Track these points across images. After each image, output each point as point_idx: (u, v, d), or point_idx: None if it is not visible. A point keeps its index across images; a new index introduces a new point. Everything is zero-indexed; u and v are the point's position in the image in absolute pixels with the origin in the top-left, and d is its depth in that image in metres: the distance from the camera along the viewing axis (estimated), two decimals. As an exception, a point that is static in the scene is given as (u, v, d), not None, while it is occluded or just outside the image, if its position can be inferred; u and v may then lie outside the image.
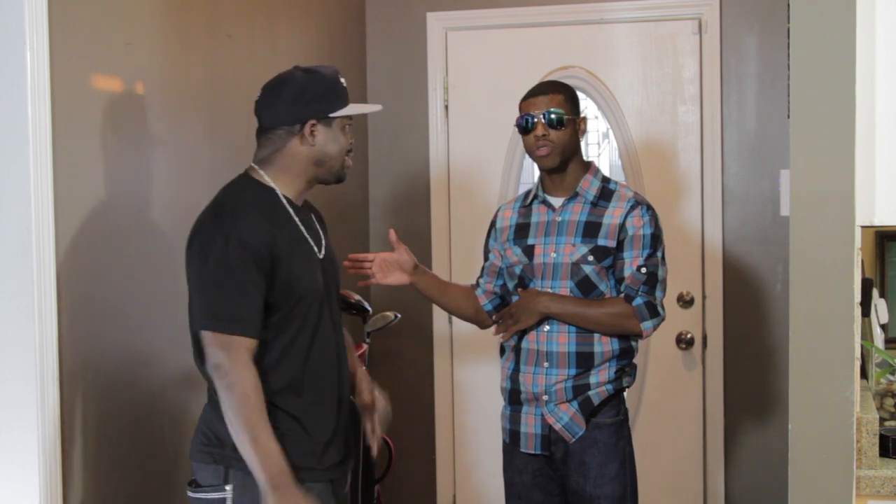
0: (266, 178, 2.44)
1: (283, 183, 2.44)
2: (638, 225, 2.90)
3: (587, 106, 4.22)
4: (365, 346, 3.31)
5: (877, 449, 2.43)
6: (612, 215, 2.93)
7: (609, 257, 2.91)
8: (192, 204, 2.97)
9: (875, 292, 3.05)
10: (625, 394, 3.00)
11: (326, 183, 2.51)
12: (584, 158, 3.03)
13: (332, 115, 2.44)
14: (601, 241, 2.91)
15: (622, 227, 2.91)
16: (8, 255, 2.27)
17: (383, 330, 3.63)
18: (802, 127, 2.27)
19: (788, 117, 2.31)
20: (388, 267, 3.00)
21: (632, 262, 2.89)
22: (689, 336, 4.10)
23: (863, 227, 2.32)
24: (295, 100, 2.41)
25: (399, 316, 3.53)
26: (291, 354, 2.38)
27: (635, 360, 3.00)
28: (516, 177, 4.26)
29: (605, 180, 3.01)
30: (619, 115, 4.15)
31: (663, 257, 2.94)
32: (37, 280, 2.27)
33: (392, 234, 3.00)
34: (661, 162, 4.13)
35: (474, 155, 4.28)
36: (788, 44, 2.33)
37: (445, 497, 4.35)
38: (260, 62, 3.42)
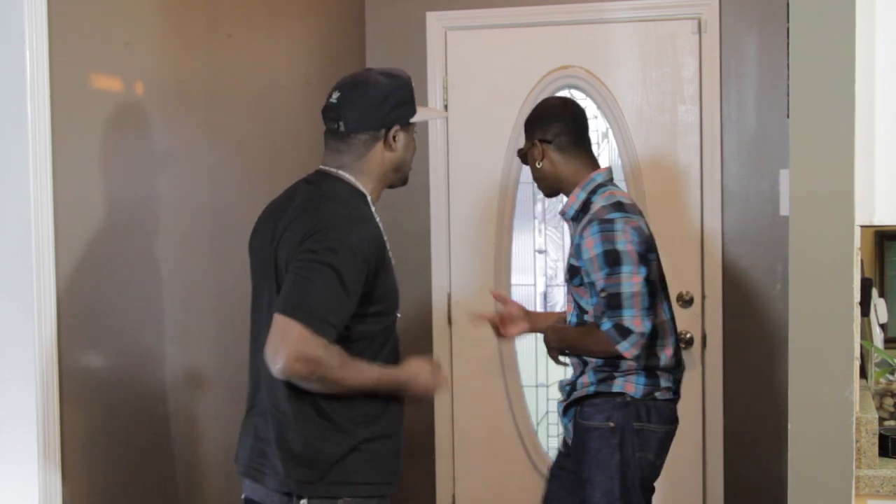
0: (357, 183, 2.38)
1: (367, 189, 2.41)
2: (590, 246, 2.81)
3: (586, 106, 4.22)
4: (365, 346, 3.32)
5: (876, 449, 2.43)
6: (578, 234, 2.88)
7: (578, 276, 2.86)
8: (192, 204, 2.98)
9: (875, 292, 3.05)
10: (623, 399, 2.88)
11: (393, 187, 2.49)
12: (585, 168, 2.95)
13: (412, 120, 2.42)
14: (571, 260, 2.90)
15: (579, 248, 2.84)
16: (8, 255, 2.27)
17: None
18: (802, 127, 2.27)
19: (788, 117, 2.31)
20: (509, 322, 3.10)
21: (596, 286, 2.82)
22: (688, 336, 4.10)
23: (862, 226, 2.32)
24: (381, 104, 2.35)
25: (399, 316, 3.52)
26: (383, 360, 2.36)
27: (635, 365, 2.87)
28: (516, 177, 4.25)
29: (594, 191, 2.91)
30: (618, 114, 4.15)
31: (633, 270, 2.78)
32: (36, 280, 2.27)
33: (496, 295, 3.17)
34: (660, 162, 4.13)
35: (474, 155, 4.27)
36: (788, 44, 2.33)
37: (445, 497, 4.35)
38: (260, 62, 3.42)
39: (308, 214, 2.30)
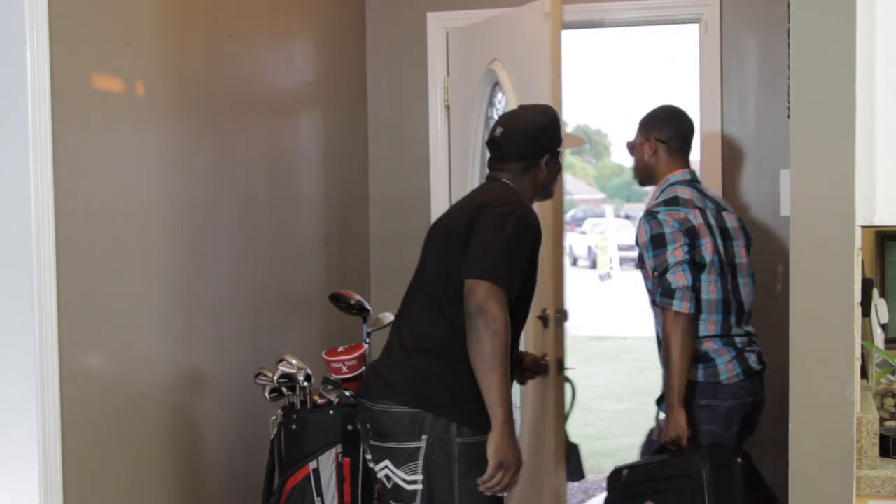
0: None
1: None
2: (641, 234, 3.19)
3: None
4: (365, 347, 3.31)
5: (877, 449, 2.42)
6: (637, 224, 3.24)
7: (640, 258, 3.23)
8: (192, 204, 2.98)
9: (875, 292, 3.05)
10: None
11: (538, 201, 2.91)
12: (674, 169, 3.31)
13: (559, 149, 2.86)
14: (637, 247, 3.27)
15: (637, 235, 3.23)
16: (8, 255, 2.27)
17: (383, 330, 3.63)
18: (802, 127, 2.26)
19: (788, 117, 2.31)
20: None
21: (649, 268, 3.15)
22: (689, 336, 4.10)
23: (863, 227, 2.32)
24: (536, 139, 2.81)
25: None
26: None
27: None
28: (516, 177, 4.25)
29: (664, 189, 3.28)
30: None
31: (675, 247, 3.10)
32: (37, 279, 2.27)
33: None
34: (661, 162, 4.12)
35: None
36: (788, 44, 2.33)
37: (445, 497, 4.33)
38: (260, 62, 3.42)
39: (483, 192, 2.80)
